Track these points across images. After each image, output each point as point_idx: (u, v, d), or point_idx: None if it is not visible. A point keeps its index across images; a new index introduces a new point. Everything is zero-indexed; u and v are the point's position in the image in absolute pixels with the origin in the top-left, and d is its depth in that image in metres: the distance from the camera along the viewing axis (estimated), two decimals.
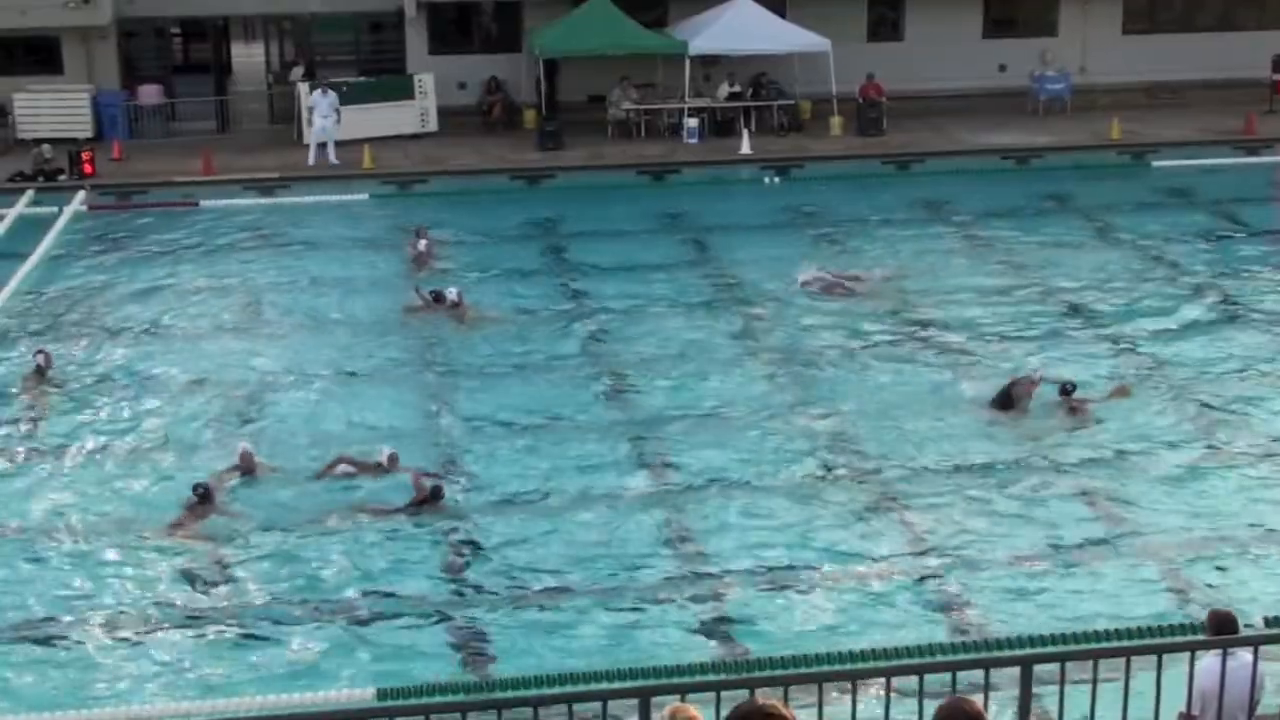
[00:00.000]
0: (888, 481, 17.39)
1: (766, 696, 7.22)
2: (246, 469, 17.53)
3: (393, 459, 17.53)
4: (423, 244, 26.25)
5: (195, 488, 16.77)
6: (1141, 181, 31.72)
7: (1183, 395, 19.84)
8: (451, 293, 23.39)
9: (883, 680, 8.54)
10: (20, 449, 18.81)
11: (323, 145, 32.29)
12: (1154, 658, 8.74)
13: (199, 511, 16.55)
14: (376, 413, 19.75)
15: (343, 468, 17.63)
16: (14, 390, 20.64)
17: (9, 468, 18.32)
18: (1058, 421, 18.89)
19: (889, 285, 24.40)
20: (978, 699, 7.33)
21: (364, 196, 30.77)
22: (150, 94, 35.43)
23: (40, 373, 20.72)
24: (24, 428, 19.47)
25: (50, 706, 13.06)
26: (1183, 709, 9.36)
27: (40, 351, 21.11)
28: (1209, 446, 18.25)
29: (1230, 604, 12.80)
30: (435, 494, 16.68)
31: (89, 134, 33.88)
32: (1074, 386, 19.27)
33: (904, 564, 15.49)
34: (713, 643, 14.08)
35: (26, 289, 24.86)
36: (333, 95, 32.70)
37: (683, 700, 7.48)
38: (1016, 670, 8.53)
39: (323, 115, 32.43)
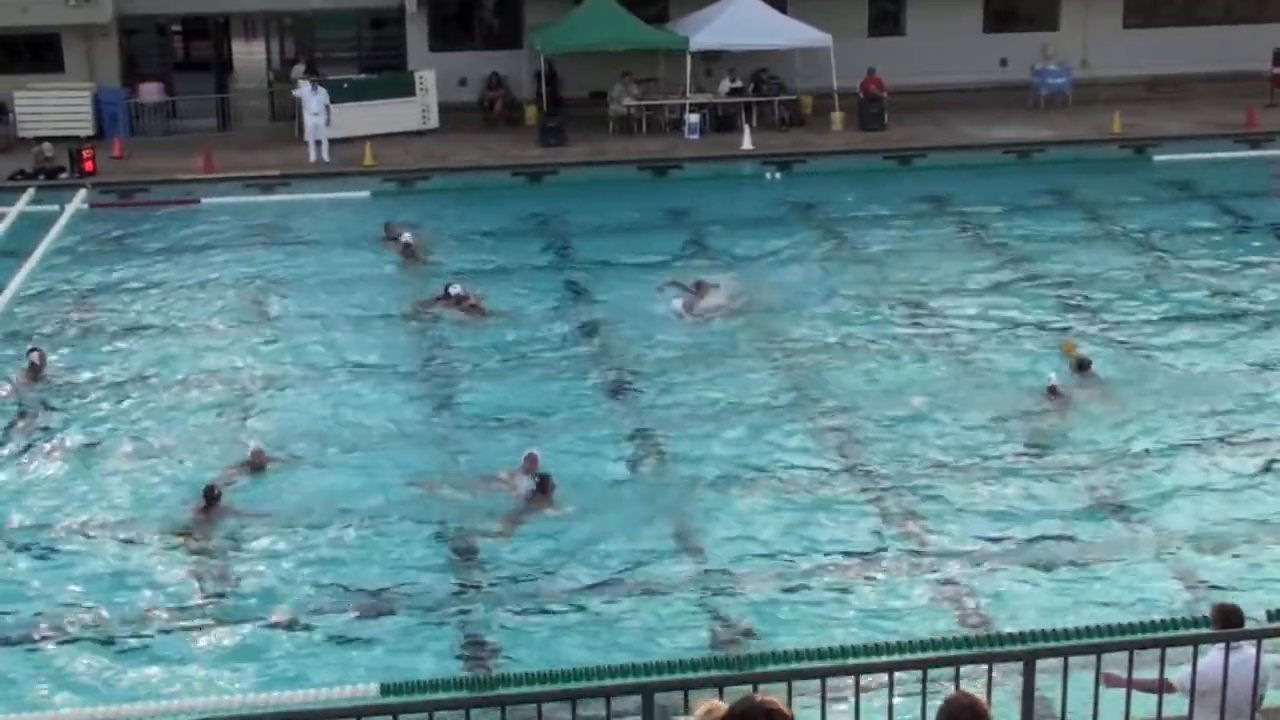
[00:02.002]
0: (890, 477, 17.39)
1: (767, 693, 7.22)
2: (256, 466, 17.49)
3: (531, 460, 17.17)
4: (407, 236, 26.23)
5: (208, 489, 16.75)
6: (1143, 175, 31.69)
7: (1185, 389, 19.84)
8: (455, 288, 23.43)
9: (885, 675, 8.53)
10: (8, 448, 18.77)
11: (317, 142, 32.28)
12: (1157, 651, 8.74)
13: (209, 512, 16.53)
14: (380, 408, 19.74)
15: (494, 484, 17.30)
16: (6, 389, 20.63)
17: None
18: (1063, 415, 18.91)
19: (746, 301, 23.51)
20: (981, 693, 7.32)
21: (365, 194, 30.75)
22: (151, 91, 35.39)
23: (34, 371, 20.71)
24: (13, 426, 19.43)
25: (51, 706, 13.07)
26: (1171, 680, 9.33)
27: (34, 350, 21.10)
28: (1211, 440, 18.24)
29: (1234, 598, 12.80)
30: (542, 487, 16.56)
31: (90, 132, 33.86)
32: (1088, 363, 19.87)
33: (907, 559, 15.50)
34: (716, 639, 14.08)
35: (28, 287, 24.86)
36: (323, 92, 32.64)
37: (686, 696, 7.49)
38: (1020, 665, 8.53)
39: (313, 113, 32.41)
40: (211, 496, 16.61)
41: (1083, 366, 19.98)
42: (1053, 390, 19.21)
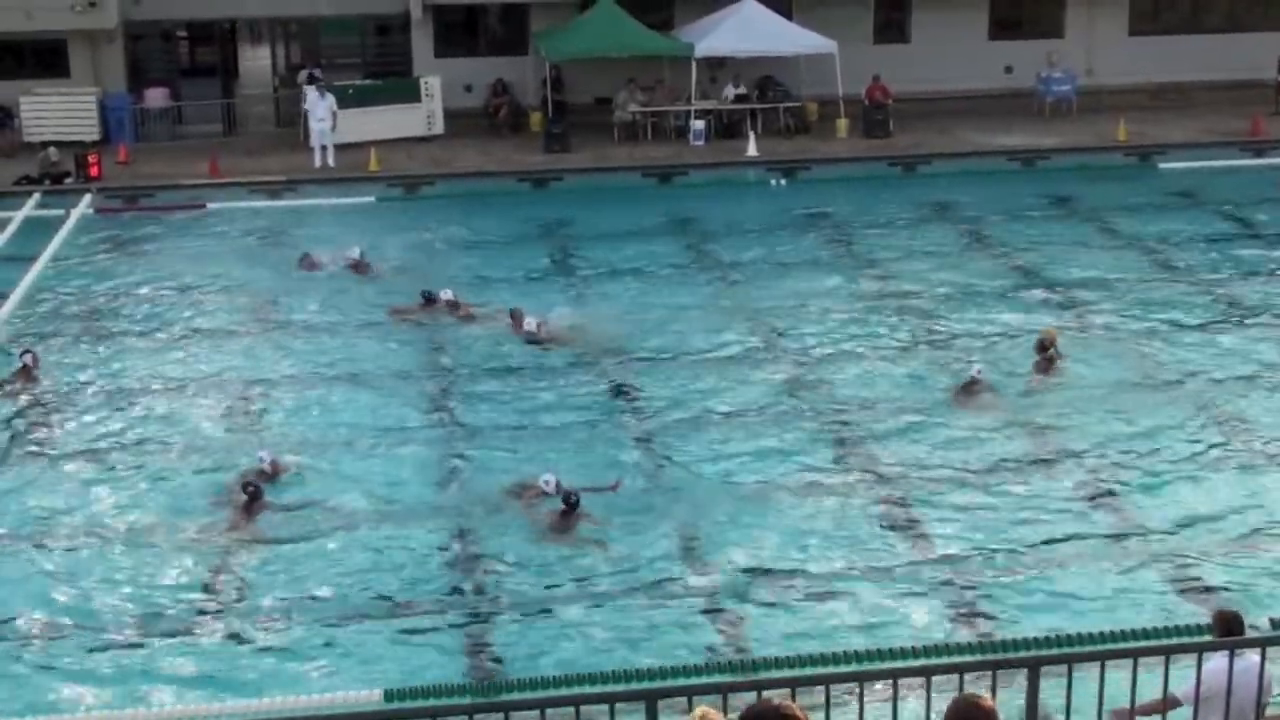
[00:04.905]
0: (893, 482, 17.38)
1: (774, 697, 7.22)
2: (272, 473, 17.45)
3: (556, 487, 16.80)
4: (356, 252, 25.80)
5: (245, 486, 16.74)
6: (1148, 183, 31.69)
7: (1189, 395, 19.84)
8: (447, 293, 23.42)
9: (889, 681, 8.53)
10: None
11: (323, 148, 32.30)
12: (1161, 659, 8.73)
13: (250, 509, 16.52)
14: (382, 414, 19.73)
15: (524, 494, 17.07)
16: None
17: None
18: (1066, 419, 18.93)
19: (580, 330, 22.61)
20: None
21: (370, 199, 30.79)
22: (157, 97, 35.46)
23: (26, 372, 20.72)
24: (6, 428, 19.42)
25: (54, 709, 13.06)
26: (1176, 694, 9.34)
27: (27, 351, 21.11)
28: (1215, 446, 18.23)
29: (1237, 605, 12.80)
30: (568, 503, 16.27)
31: (95, 137, 33.92)
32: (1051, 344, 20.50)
33: (910, 565, 15.48)
34: (719, 644, 14.07)
35: (33, 292, 24.88)
36: (330, 98, 32.65)
37: (690, 702, 7.48)
38: (1024, 671, 8.52)
39: (318, 119, 32.42)
40: (253, 494, 16.59)
41: (1044, 347, 20.40)
42: (972, 383, 19.65)
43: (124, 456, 18.52)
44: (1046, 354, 20.41)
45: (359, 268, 25.68)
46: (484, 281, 25.18)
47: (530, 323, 22.20)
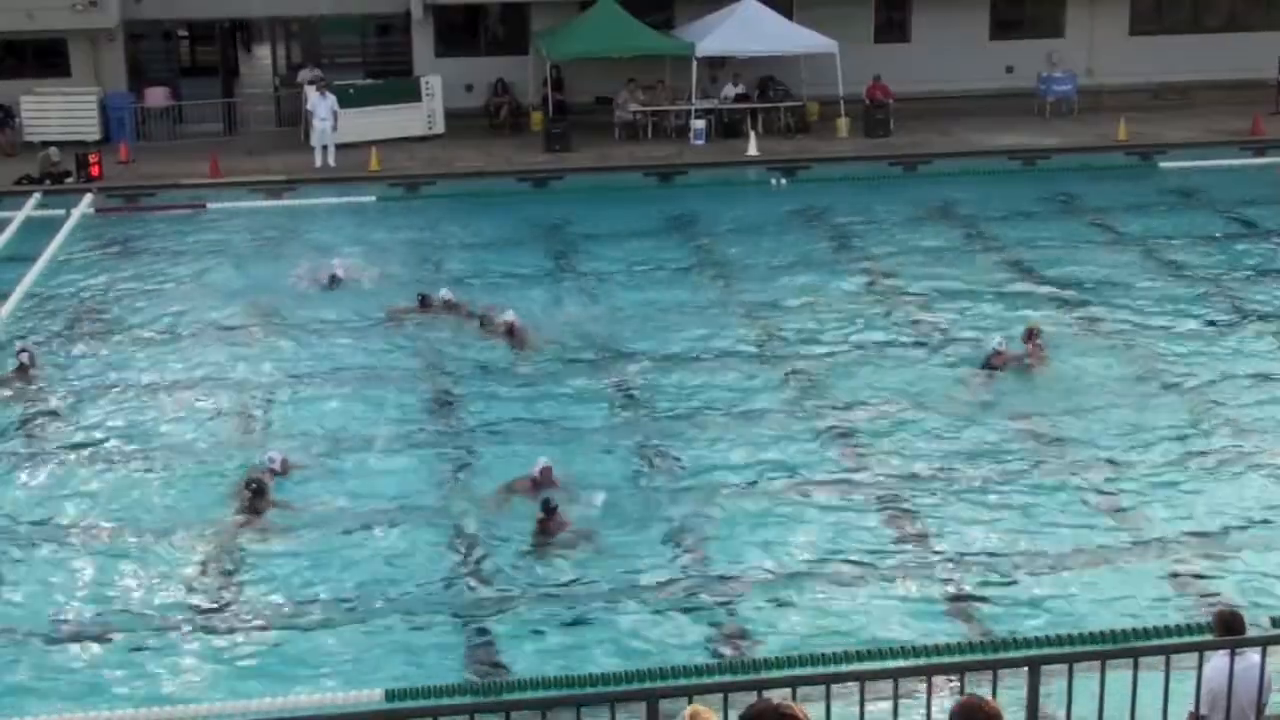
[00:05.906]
0: (893, 481, 17.38)
1: (774, 697, 7.22)
2: (281, 472, 17.42)
3: (546, 472, 16.95)
4: (335, 265, 25.41)
5: (249, 484, 16.74)
6: (1148, 182, 31.69)
7: (1189, 395, 19.85)
8: (445, 292, 23.40)
9: (889, 681, 8.53)
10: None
11: (324, 147, 32.30)
12: (1162, 658, 8.74)
13: (254, 508, 16.50)
14: (385, 415, 19.73)
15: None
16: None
17: None
18: (1066, 418, 18.93)
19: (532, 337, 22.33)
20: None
21: (371, 199, 30.79)
22: (157, 96, 35.48)
23: (23, 370, 20.73)
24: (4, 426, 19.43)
25: (53, 709, 13.06)
26: (1192, 709, 9.37)
27: (23, 350, 21.12)
28: (1216, 445, 18.22)
29: (1237, 604, 12.80)
30: (547, 509, 16.14)
31: (96, 136, 33.94)
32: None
33: (911, 565, 15.48)
34: (720, 644, 14.08)
35: (34, 291, 24.88)
36: (332, 98, 32.66)
37: (690, 702, 7.49)
38: (1024, 671, 8.53)
39: (320, 119, 32.41)
40: (256, 489, 16.55)
41: (1032, 336, 20.74)
42: (998, 354, 20.37)
43: (121, 455, 18.51)
44: (1036, 342, 20.52)
45: (343, 276, 25.28)
46: (484, 281, 25.18)
47: (510, 316, 22.21)
